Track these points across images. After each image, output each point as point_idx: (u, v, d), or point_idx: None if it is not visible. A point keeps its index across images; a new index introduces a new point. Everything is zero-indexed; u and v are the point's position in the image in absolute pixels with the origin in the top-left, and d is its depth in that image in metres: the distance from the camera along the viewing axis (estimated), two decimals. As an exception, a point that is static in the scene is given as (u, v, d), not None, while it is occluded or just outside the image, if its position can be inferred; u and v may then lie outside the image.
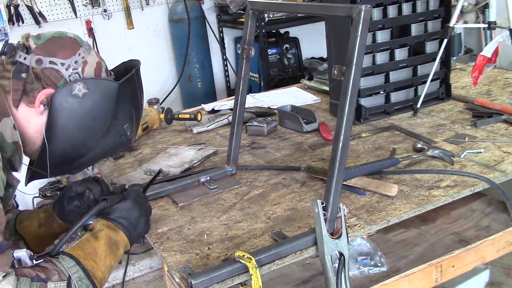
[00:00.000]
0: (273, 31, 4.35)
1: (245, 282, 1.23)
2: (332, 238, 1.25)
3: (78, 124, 1.27)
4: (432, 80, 2.16)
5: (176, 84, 4.39)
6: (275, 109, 2.37)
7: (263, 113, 2.35)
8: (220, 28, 4.57)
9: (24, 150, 1.27)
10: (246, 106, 1.87)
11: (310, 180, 1.69)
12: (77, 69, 1.27)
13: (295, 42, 4.46)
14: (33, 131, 1.27)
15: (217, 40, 4.54)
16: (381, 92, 2.18)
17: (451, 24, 2.11)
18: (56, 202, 1.48)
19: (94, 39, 4.07)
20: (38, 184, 3.64)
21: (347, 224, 1.33)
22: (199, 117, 2.28)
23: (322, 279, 1.29)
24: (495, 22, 2.04)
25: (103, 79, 1.31)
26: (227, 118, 2.31)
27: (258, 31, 3.95)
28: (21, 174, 1.32)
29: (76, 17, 4.02)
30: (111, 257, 1.24)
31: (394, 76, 2.18)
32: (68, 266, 1.13)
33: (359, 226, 1.39)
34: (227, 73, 4.70)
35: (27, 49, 1.25)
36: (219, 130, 2.27)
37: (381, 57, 2.14)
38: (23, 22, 3.82)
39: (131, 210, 1.32)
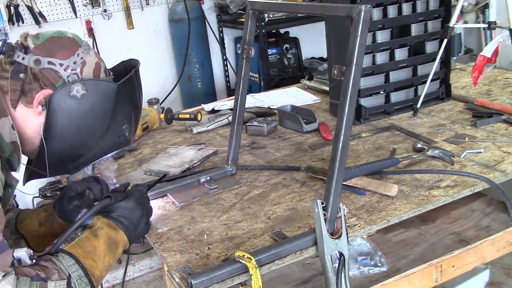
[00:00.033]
0: (273, 31, 4.35)
1: (245, 282, 1.23)
2: (332, 238, 1.25)
3: (76, 125, 1.27)
4: (432, 80, 2.16)
5: (176, 84, 4.39)
6: (275, 109, 2.37)
7: (263, 113, 2.35)
8: (220, 28, 4.57)
9: (22, 150, 1.27)
10: (246, 106, 1.87)
11: (310, 180, 1.69)
12: (76, 69, 1.26)
13: (295, 42, 4.46)
14: (31, 131, 1.27)
15: (217, 40, 4.54)
16: (381, 92, 2.18)
17: (451, 24, 2.11)
18: (56, 201, 1.48)
19: (94, 39, 4.07)
20: (38, 184, 3.64)
21: (347, 224, 1.33)
22: (199, 117, 2.28)
23: (322, 279, 1.29)
24: (495, 22, 2.04)
25: (102, 80, 1.30)
26: (227, 118, 2.31)
27: (258, 31, 3.95)
28: (19, 174, 1.32)
29: (76, 17, 4.02)
30: (110, 256, 1.24)
31: (394, 76, 2.18)
32: (67, 265, 1.13)
33: (359, 226, 1.39)
34: (227, 73, 4.70)
35: (26, 49, 1.25)
36: (219, 130, 2.27)
37: (381, 57, 2.14)
38: (23, 22, 3.82)
39: (133, 210, 1.32)
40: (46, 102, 1.23)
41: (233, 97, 1.81)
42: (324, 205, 1.24)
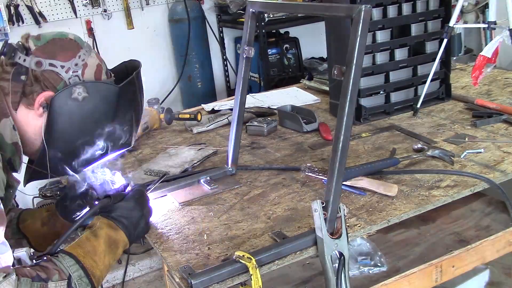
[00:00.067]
0: (273, 31, 4.35)
1: (245, 282, 1.23)
2: (332, 238, 1.25)
3: (77, 127, 1.27)
4: (432, 80, 2.16)
5: (176, 84, 4.39)
6: (275, 109, 2.37)
7: (263, 113, 2.35)
8: (220, 28, 4.57)
9: (23, 151, 1.27)
10: (246, 106, 1.87)
11: (310, 180, 1.69)
12: (77, 71, 1.26)
13: (295, 42, 4.46)
14: (32, 133, 1.27)
15: (217, 40, 4.54)
16: (381, 92, 2.18)
17: (451, 24, 2.10)
18: (59, 201, 1.48)
19: (94, 39, 4.07)
20: (38, 184, 3.64)
21: (347, 224, 1.33)
22: (199, 117, 2.28)
23: (322, 279, 1.29)
24: (495, 22, 2.04)
25: (103, 83, 1.30)
26: (227, 118, 2.31)
27: (258, 31, 3.94)
28: (20, 175, 1.32)
29: (76, 17, 4.02)
30: (110, 256, 1.24)
31: (394, 76, 2.18)
32: (68, 265, 1.13)
33: (359, 226, 1.39)
34: (227, 73, 4.70)
35: (27, 50, 1.24)
36: (219, 130, 2.27)
37: (381, 57, 2.14)
38: (23, 22, 3.82)
39: (133, 210, 1.32)
40: (47, 104, 1.23)
41: (233, 97, 1.81)
42: (324, 205, 1.24)
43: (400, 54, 2.16)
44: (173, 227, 1.49)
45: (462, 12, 3.89)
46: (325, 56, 3.74)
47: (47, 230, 1.47)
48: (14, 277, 1.03)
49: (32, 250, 1.19)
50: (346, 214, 1.30)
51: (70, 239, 1.24)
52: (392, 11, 2.11)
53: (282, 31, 4.51)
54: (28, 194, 3.33)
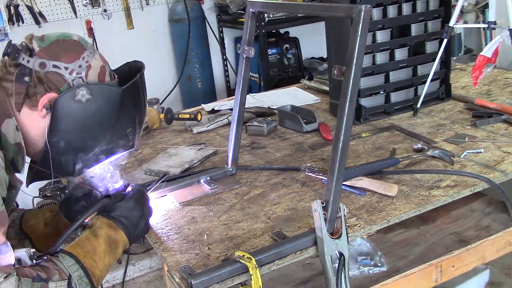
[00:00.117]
0: (273, 31, 4.35)
1: (245, 282, 1.23)
2: (332, 238, 1.25)
3: (81, 129, 1.27)
4: (432, 80, 2.16)
5: (176, 84, 4.39)
6: (275, 109, 2.37)
7: (263, 113, 2.35)
8: (220, 28, 4.57)
9: (26, 152, 1.27)
10: (246, 106, 1.87)
11: (310, 180, 1.69)
12: (81, 73, 1.26)
13: (295, 42, 4.46)
14: (35, 134, 1.27)
15: (217, 40, 4.54)
16: (381, 92, 2.18)
17: (451, 24, 2.11)
18: (62, 202, 1.48)
19: (94, 39, 4.07)
20: (38, 184, 3.64)
21: (347, 224, 1.33)
22: (199, 117, 2.28)
23: (322, 279, 1.29)
24: (495, 22, 2.04)
25: (107, 85, 1.30)
26: (227, 118, 2.31)
27: (258, 31, 3.94)
28: (22, 175, 1.32)
29: (76, 17, 4.03)
30: (110, 256, 1.24)
31: (394, 76, 2.18)
32: (68, 265, 1.13)
33: (359, 226, 1.39)
34: (227, 73, 4.70)
35: (31, 52, 1.24)
36: (219, 130, 2.27)
37: (381, 57, 2.14)
38: (23, 22, 3.82)
39: (133, 209, 1.32)
40: (50, 105, 1.23)
41: (233, 97, 1.81)
42: (324, 205, 1.24)
43: (400, 54, 2.16)
44: (173, 227, 1.49)
45: (462, 12, 3.90)
46: (325, 56, 3.73)
47: (50, 231, 1.47)
48: (15, 277, 1.04)
49: (32, 250, 1.19)
50: (346, 214, 1.30)
51: (70, 239, 1.24)
52: (392, 11, 2.11)
53: (282, 31, 4.51)
54: (28, 194, 3.32)
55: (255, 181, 1.72)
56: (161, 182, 1.60)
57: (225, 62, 4.68)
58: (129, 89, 1.31)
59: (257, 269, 1.20)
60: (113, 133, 1.32)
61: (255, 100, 2.64)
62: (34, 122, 1.26)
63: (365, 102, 2.14)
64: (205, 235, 1.43)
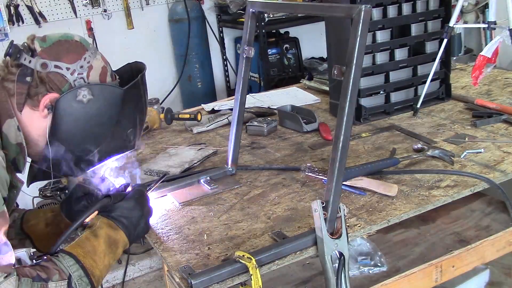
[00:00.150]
0: (273, 31, 4.35)
1: (245, 282, 1.23)
2: (332, 238, 1.25)
3: (82, 129, 1.27)
4: (432, 80, 2.16)
5: (176, 84, 4.39)
6: (275, 109, 2.37)
7: (263, 113, 2.35)
8: (220, 28, 4.57)
9: (27, 152, 1.27)
10: (246, 106, 1.87)
11: (310, 180, 1.69)
12: (82, 74, 1.26)
13: (295, 42, 4.46)
14: (36, 134, 1.27)
15: (217, 40, 4.54)
16: (381, 92, 2.18)
17: (451, 24, 2.11)
18: (63, 202, 1.48)
19: (94, 39, 4.07)
20: (38, 184, 3.63)
21: (347, 224, 1.33)
22: (199, 117, 2.28)
23: (322, 279, 1.29)
24: (495, 22, 2.04)
25: (108, 85, 1.30)
26: (227, 118, 2.31)
27: (258, 31, 3.95)
28: (23, 175, 1.32)
29: (76, 17, 4.03)
30: (109, 256, 1.24)
31: (394, 76, 2.18)
32: (68, 265, 1.13)
33: (359, 226, 1.39)
34: (227, 73, 4.70)
35: (32, 52, 1.24)
36: (219, 130, 2.27)
37: (381, 57, 2.14)
38: (23, 22, 3.83)
39: (133, 209, 1.32)
40: (52, 106, 1.23)
41: (233, 97, 1.81)
42: (324, 205, 1.24)
43: (400, 54, 2.16)
44: (173, 227, 1.49)
45: (462, 12, 3.90)
46: (325, 56, 3.74)
47: (51, 231, 1.47)
48: (15, 277, 1.04)
49: (32, 250, 1.19)
50: (346, 214, 1.30)
51: (70, 239, 1.25)
52: (392, 11, 2.11)
53: (282, 31, 4.51)
54: (28, 194, 3.32)
55: (255, 181, 1.72)
56: (161, 182, 1.60)
57: (225, 62, 4.68)
58: (130, 90, 1.31)
59: (257, 269, 1.20)
60: (114, 134, 1.32)
61: (255, 100, 2.64)
62: (36, 122, 1.26)
63: (365, 102, 2.14)
64: (205, 235, 1.43)
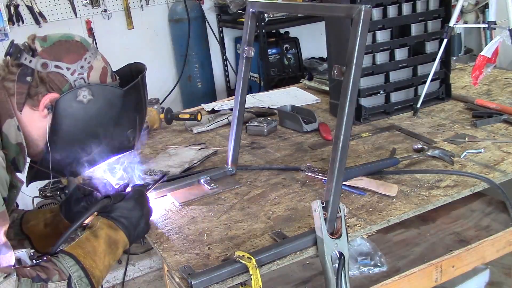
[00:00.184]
0: (273, 31, 4.35)
1: (245, 282, 1.23)
2: (332, 238, 1.25)
3: (81, 129, 1.27)
4: (432, 80, 2.16)
5: (176, 84, 4.39)
6: (275, 109, 2.37)
7: (263, 113, 2.35)
8: (220, 28, 4.57)
9: (27, 151, 1.27)
10: (246, 106, 1.87)
11: (310, 180, 1.69)
12: (83, 74, 1.26)
13: (295, 42, 4.46)
14: (36, 134, 1.27)
15: (217, 40, 4.54)
16: (381, 92, 2.18)
17: (451, 24, 2.11)
18: (63, 203, 1.48)
19: (94, 39, 4.07)
20: (38, 184, 3.63)
21: (347, 224, 1.33)
22: (199, 117, 2.28)
23: (322, 279, 1.29)
24: (495, 22, 2.04)
25: (108, 86, 1.30)
26: (227, 118, 2.31)
27: (258, 31, 3.94)
28: (23, 175, 1.32)
29: (76, 17, 4.03)
30: (110, 257, 1.24)
31: (394, 76, 2.18)
32: (68, 266, 1.13)
33: (359, 226, 1.39)
34: (227, 73, 4.70)
35: (33, 52, 1.24)
36: (219, 130, 2.27)
37: (381, 57, 2.14)
38: (23, 22, 3.83)
39: (133, 210, 1.32)
40: (52, 105, 1.23)
41: (233, 97, 1.81)
42: (324, 205, 1.24)
43: (400, 54, 2.16)
44: (173, 227, 1.49)
45: (462, 12, 3.90)
46: (325, 56, 3.74)
47: (50, 231, 1.47)
48: (14, 277, 1.04)
49: (32, 250, 1.19)
50: (346, 214, 1.30)
51: (70, 239, 1.25)
52: (392, 11, 2.11)
53: (282, 31, 4.51)
54: (28, 194, 3.32)
55: (255, 181, 1.72)
56: (161, 182, 1.60)
57: (225, 62, 4.68)
58: (130, 91, 1.31)
59: (257, 269, 1.20)
60: (113, 134, 1.32)
61: (255, 100, 2.64)
62: (35, 122, 1.26)
63: (365, 102, 2.14)
64: (205, 235, 1.43)
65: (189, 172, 1.83)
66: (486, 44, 2.21)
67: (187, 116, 2.31)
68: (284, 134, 2.14)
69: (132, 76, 1.36)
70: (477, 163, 1.67)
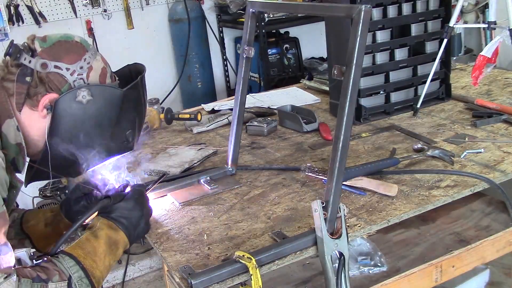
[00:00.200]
0: (273, 31, 4.35)
1: (245, 282, 1.23)
2: (332, 238, 1.25)
3: (81, 130, 1.27)
4: (432, 80, 2.16)
5: (176, 84, 4.39)
6: (275, 109, 2.37)
7: (263, 113, 2.35)
8: (220, 28, 4.57)
9: (26, 152, 1.27)
10: (246, 106, 1.87)
11: (310, 180, 1.69)
12: (82, 74, 1.26)
13: (295, 42, 4.46)
14: (35, 134, 1.27)
15: (217, 40, 4.54)
16: (381, 92, 2.18)
17: (451, 24, 2.11)
18: (63, 202, 1.48)
19: (94, 39, 4.07)
20: (38, 184, 3.64)
21: (347, 224, 1.34)
22: (199, 117, 2.28)
23: (322, 279, 1.29)
24: (495, 22, 2.04)
25: (108, 86, 1.30)
26: (227, 118, 2.31)
27: (258, 31, 3.94)
28: (22, 175, 1.32)
29: (76, 17, 4.03)
30: (110, 257, 1.24)
31: (394, 76, 2.18)
32: (68, 266, 1.13)
33: (359, 226, 1.39)
34: (227, 73, 4.70)
35: (32, 52, 1.24)
36: (219, 130, 2.27)
37: (381, 57, 2.14)
38: (23, 22, 3.82)
39: (133, 210, 1.32)
40: (51, 106, 1.23)
41: (233, 97, 1.81)
42: (324, 205, 1.24)
43: (400, 54, 2.16)
44: (173, 227, 1.49)
45: (462, 12, 3.90)
46: (325, 56, 3.74)
47: (51, 231, 1.47)
48: (14, 277, 1.04)
49: (32, 250, 1.19)
50: (346, 214, 1.30)
51: (70, 240, 1.25)
52: (392, 11, 2.11)
53: (282, 31, 4.51)
54: (28, 194, 3.33)
55: (255, 181, 1.72)
56: (160, 182, 1.60)
57: (225, 62, 4.68)
58: (130, 91, 1.31)
59: (257, 269, 1.20)
60: (112, 135, 1.32)
61: (255, 100, 2.64)
62: (35, 122, 1.26)
63: (365, 102, 2.14)
64: (205, 235, 1.43)
65: (189, 172, 1.83)
66: (486, 44, 2.22)
67: (187, 116, 2.31)
68: (284, 134, 2.14)
69: (131, 76, 1.37)
70: (477, 163, 1.67)
